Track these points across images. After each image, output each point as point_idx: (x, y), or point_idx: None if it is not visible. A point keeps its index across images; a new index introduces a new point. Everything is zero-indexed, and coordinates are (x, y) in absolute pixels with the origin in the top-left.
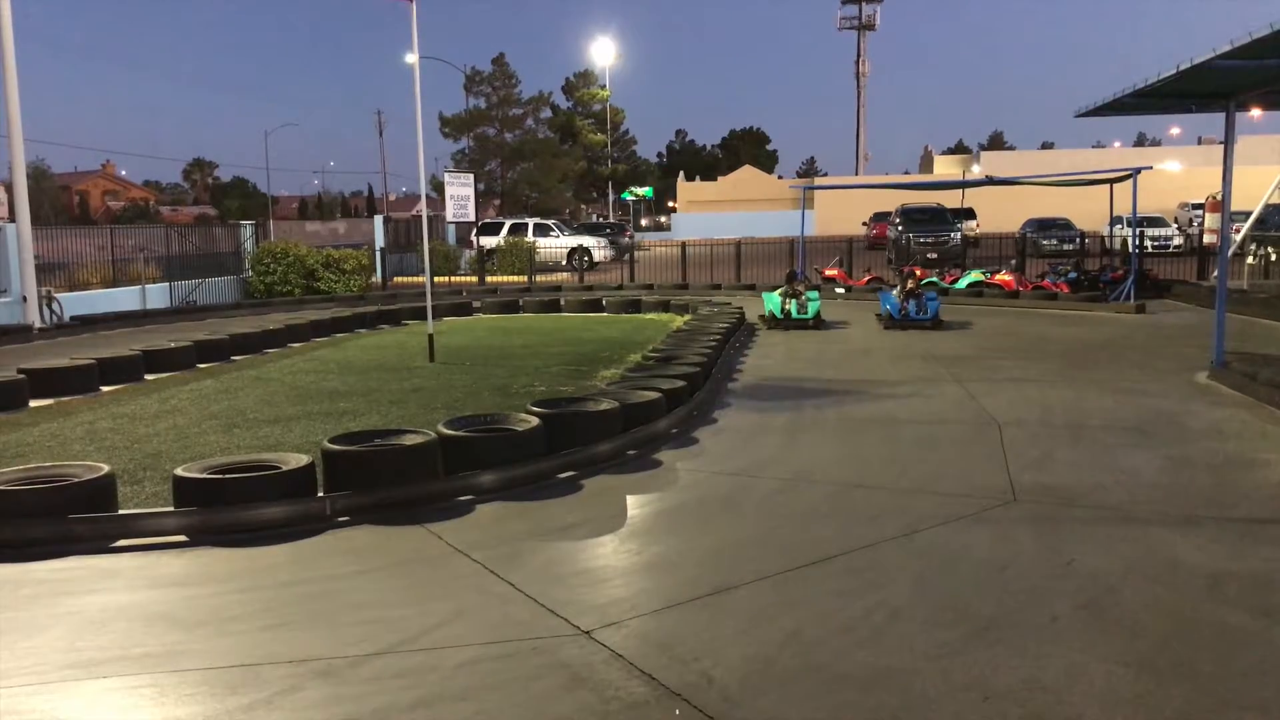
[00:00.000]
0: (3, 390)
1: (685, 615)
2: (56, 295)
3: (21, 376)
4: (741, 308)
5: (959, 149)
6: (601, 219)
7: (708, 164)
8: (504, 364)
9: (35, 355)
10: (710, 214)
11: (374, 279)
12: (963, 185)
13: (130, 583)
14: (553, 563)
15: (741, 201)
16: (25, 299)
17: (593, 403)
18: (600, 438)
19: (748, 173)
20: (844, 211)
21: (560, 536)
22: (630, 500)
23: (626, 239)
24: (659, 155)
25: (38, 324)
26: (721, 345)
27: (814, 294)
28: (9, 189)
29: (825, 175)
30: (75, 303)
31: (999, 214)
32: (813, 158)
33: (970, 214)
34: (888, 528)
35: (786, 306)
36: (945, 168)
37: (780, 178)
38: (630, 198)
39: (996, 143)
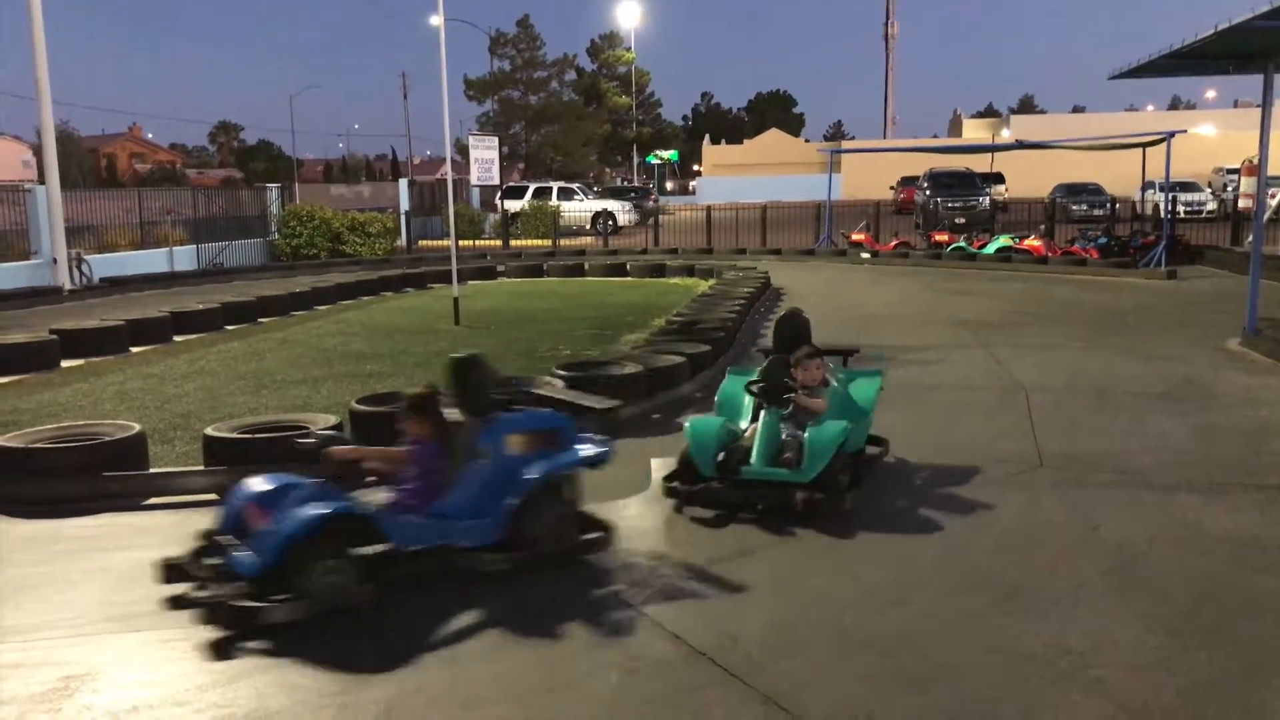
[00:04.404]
0: (35, 351)
1: (709, 577)
2: (86, 257)
3: (53, 337)
4: (767, 273)
5: (988, 113)
6: (626, 183)
7: (733, 127)
8: (528, 327)
9: (66, 316)
10: (736, 178)
11: (399, 242)
12: (992, 149)
13: (162, 540)
14: None
15: (767, 165)
16: (55, 261)
17: (617, 366)
18: (624, 400)
19: (774, 136)
20: (871, 175)
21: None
22: (655, 464)
23: (651, 203)
24: (684, 118)
25: (68, 286)
26: (746, 310)
27: (837, 427)
28: (38, 152)
29: (852, 139)
30: (104, 265)
31: (1028, 179)
32: (840, 121)
33: (999, 178)
34: (913, 493)
35: (745, 439)
36: (974, 131)
37: (807, 141)
38: (655, 161)
39: (1026, 106)
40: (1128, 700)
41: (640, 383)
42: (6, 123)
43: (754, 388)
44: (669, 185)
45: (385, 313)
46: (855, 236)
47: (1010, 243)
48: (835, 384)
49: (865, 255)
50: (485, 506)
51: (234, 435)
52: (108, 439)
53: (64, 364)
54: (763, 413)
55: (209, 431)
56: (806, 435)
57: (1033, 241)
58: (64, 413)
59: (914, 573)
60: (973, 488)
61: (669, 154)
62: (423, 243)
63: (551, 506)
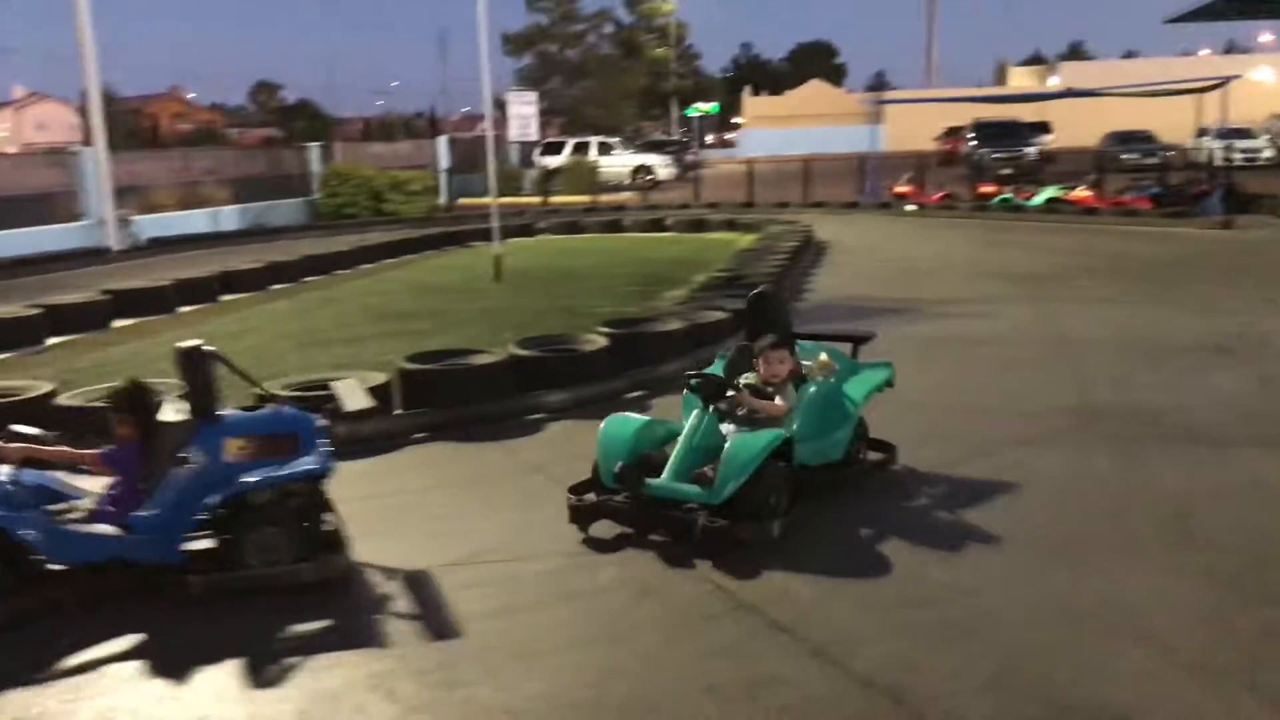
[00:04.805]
0: (86, 311)
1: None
2: (133, 218)
3: (105, 297)
4: (810, 226)
5: (1035, 60)
6: (665, 136)
7: (774, 78)
8: (569, 284)
9: (115, 277)
10: (777, 130)
11: (439, 200)
12: (1040, 98)
13: None
14: None
15: (809, 117)
16: (104, 222)
17: (659, 323)
18: (667, 357)
19: (815, 87)
20: (916, 127)
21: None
22: None
23: (691, 157)
24: (724, 70)
25: (116, 246)
26: (789, 264)
27: (767, 436)
28: (84, 114)
29: (895, 89)
30: (151, 225)
31: (1078, 127)
32: (882, 71)
33: (1046, 128)
34: (962, 447)
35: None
36: (1021, 80)
37: (849, 91)
38: (694, 114)
39: (1076, 53)
40: (1184, 654)
41: (683, 339)
42: (48, 85)
43: (691, 382)
44: (709, 138)
45: (427, 271)
46: (899, 189)
47: (1059, 194)
48: (820, 380)
49: (910, 208)
50: (177, 520)
51: (284, 393)
52: (160, 398)
53: (115, 324)
54: (693, 414)
55: (258, 390)
56: (727, 446)
57: (1082, 192)
58: (117, 372)
59: (962, 527)
60: (1022, 442)
61: (709, 106)
62: (462, 200)
63: (279, 523)
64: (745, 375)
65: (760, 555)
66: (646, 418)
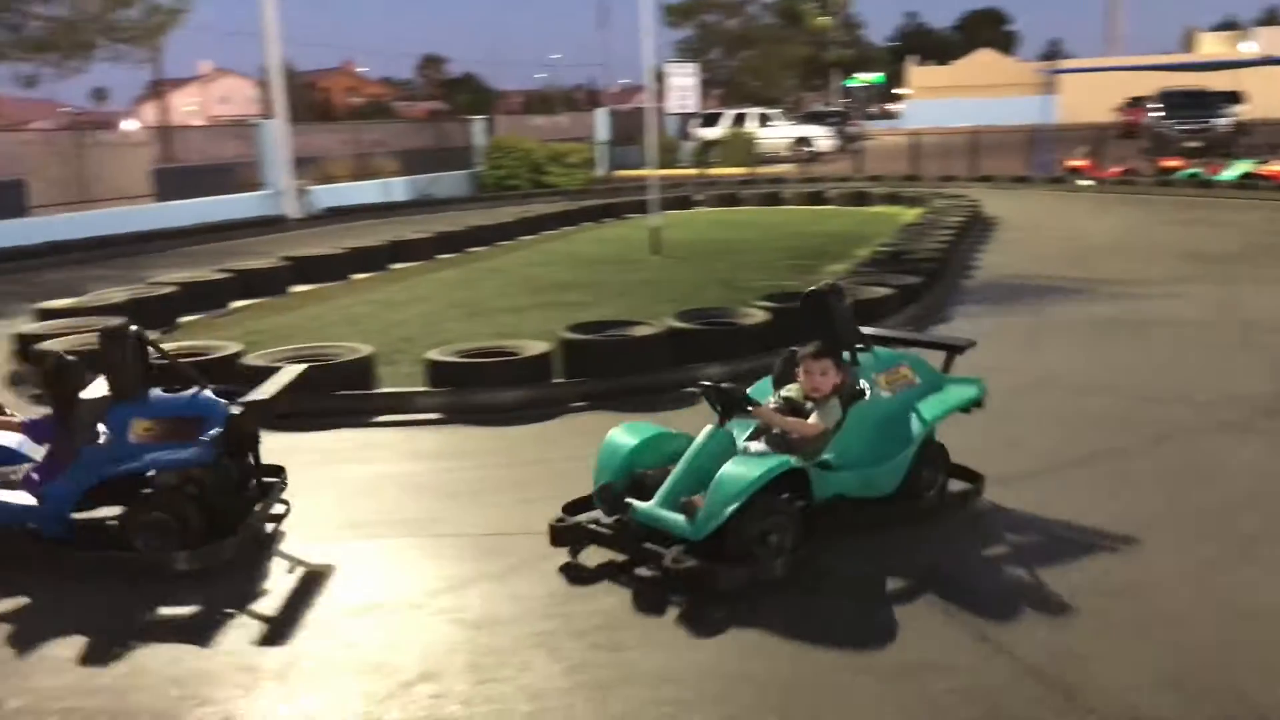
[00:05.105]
0: (269, 276)
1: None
2: (309, 188)
3: (285, 264)
4: (978, 200)
5: (1228, 26)
6: (825, 108)
7: (941, 47)
8: (726, 258)
9: (292, 244)
10: (943, 100)
11: (597, 172)
12: (1233, 65)
13: (391, 454)
14: None
15: (978, 87)
16: (282, 192)
17: None
18: None
19: (985, 56)
20: (1092, 97)
21: None
22: None
23: (852, 128)
24: (888, 40)
25: (293, 214)
26: (956, 240)
27: (765, 463)
28: (265, 88)
29: (1071, 58)
30: (325, 195)
31: (1275, 97)
32: (1057, 39)
33: (1240, 98)
34: (1138, 435)
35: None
36: (1211, 47)
37: (1021, 61)
38: (856, 85)
39: (1275, 17)
40: None
41: None
42: (230, 61)
43: (711, 393)
44: (872, 110)
45: (585, 243)
46: (1074, 163)
47: (1253, 168)
48: (875, 397)
49: (1085, 183)
50: (70, 493)
51: (454, 359)
52: (341, 360)
53: (293, 289)
54: (706, 429)
55: (431, 355)
56: (719, 473)
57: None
58: (297, 335)
59: (1137, 518)
60: (1205, 431)
61: (873, 77)
62: (620, 172)
63: (166, 508)
64: (789, 387)
65: (918, 533)
66: (661, 429)
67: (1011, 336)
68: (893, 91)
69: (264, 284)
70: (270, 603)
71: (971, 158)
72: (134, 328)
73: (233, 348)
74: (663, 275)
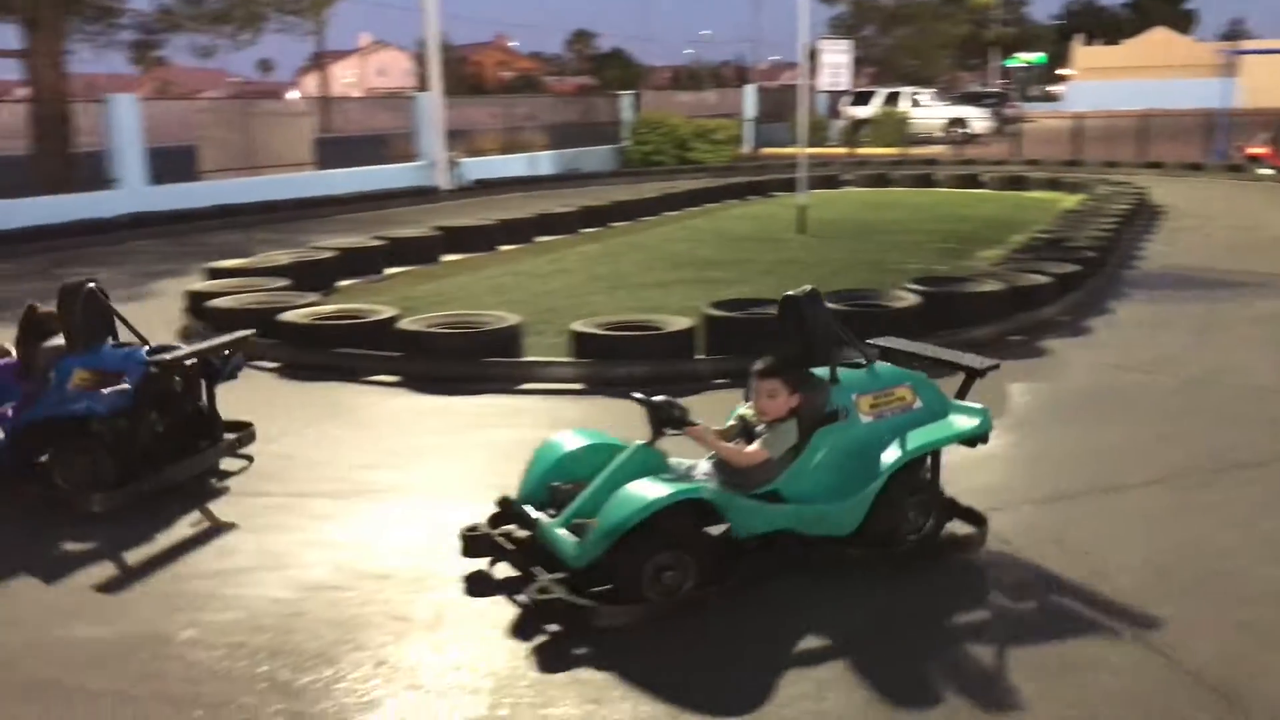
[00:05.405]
0: (421, 245)
1: (1073, 510)
2: (460, 160)
3: (437, 233)
4: (1145, 188)
5: None
6: (983, 88)
7: (1112, 26)
8: (875, 239)
9: (442, 215)
10: (1110, 82)
11: (742, 149)
12: None
13: (535, 421)
14: None
15: (1150, 69)
16: (435, 163)
17: (974, 283)
18: (981, 320)
19: (1159, 35)
20: (1277, 81)
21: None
22: (1013, 388)
23: (1010, 110)
24: (1054, 18)
25: (444, 186)
26: (1120, 229)
27: (656, 492)
28: (421, 61)
29: (1255, 39)
30: (475, 167)
31: None
32: (1239, 18)
33: None
34: None
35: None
36: None
37: (1199, 41)
38: (1016, 65)
39: None
40: None
41: (1000, 302)
42: (388, 34)
43: (645, 405)
44: (1033, 91)
45: (730, 220)
46: (1254, 150)
47: None
48: (849, 419)
49: (1265, 171)
50: (14, 435)
51: (600, 331)
52: (490, 327)
53: (444, 258)
54: (631, 446)
55: (576, 327)
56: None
57: None
58: (447, 302)
59: None
60: None
61: (1034, 57)
62: (766, 150)
63: (83, 451)
64: (744, 405)
65: (1077, 534)
66: (609, 440)
67: (1177, 330)
68: (1055, 72)
69: (416, 252)
70: (423, 560)
71: (1140, 143)
72: (90, 285)
73: (388, 312)
74: (808, 254)
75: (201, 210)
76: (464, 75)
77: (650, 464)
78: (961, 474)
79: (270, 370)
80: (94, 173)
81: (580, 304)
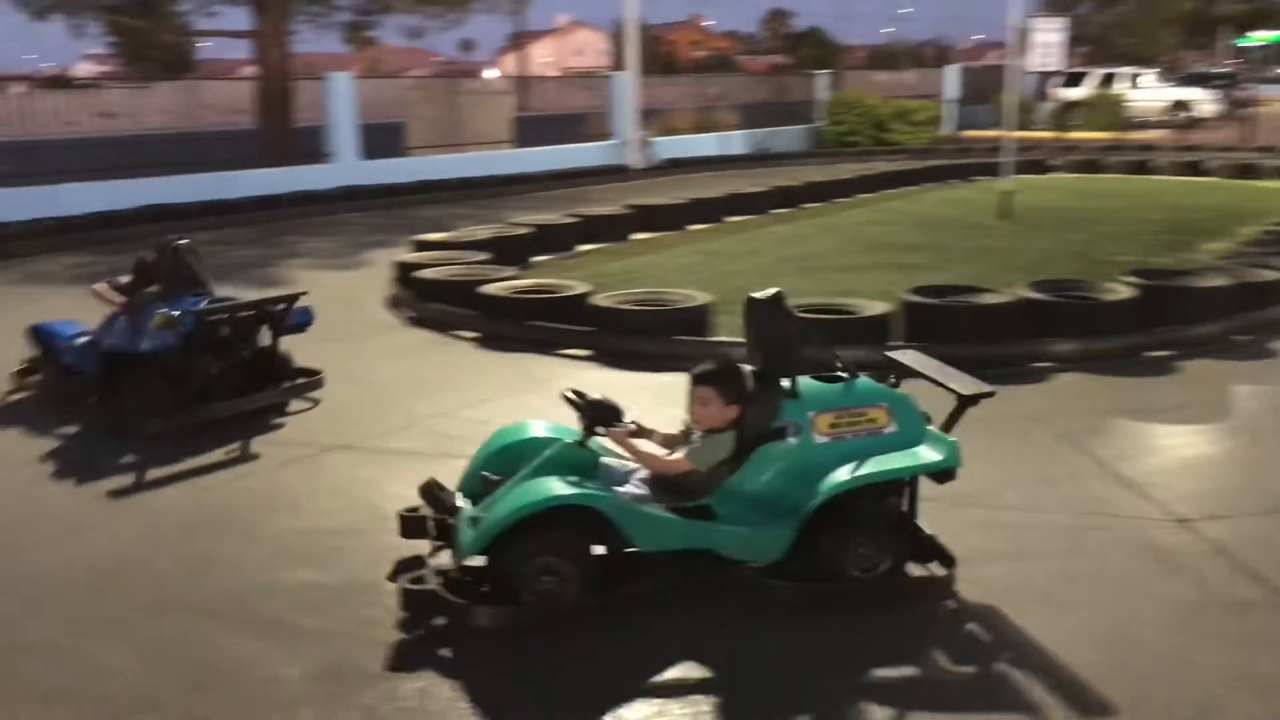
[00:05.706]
0: (613, 222)
1: None
2: (653, 139)
3: (628, 211)
4: None
5: None
6: (1211, 69)
7: None
8: (1083, 228)
9: (634, 193)
10: None
11: (942, 131)
12: None
13: None
14: (1139, 443)
15: None
16: (628, 142)
17: (1199, 277)
18: (1205, 317)
19: None
20: None
21: (1149, 418)
22: (1238, 390)
23: (1241, 92)
24: None
25: (636, 165)
26: None
27: (534, 493)
28: (617, 40)
29: None
30: (667, 146)
31: None
32: None
33: None
34: None
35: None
36: None
37: None
38: (1250, 44)
39: None
40: None
41: (1227, 299)
42: (585, 13)
43: (575, 405)
44: (1268, 72)
45: (928, 204)
46: None
47: None
48: (800, 439)
49: None
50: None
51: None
52: (680, 306)
53: (632, 236)
54: (560, 443)
55: None
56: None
57: None
58: (637, 280)
59: None
60: None
61: (1271, 35)
62: (967, 132)
63: (141, 381)
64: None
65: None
66: (568, 435)
67: None
68: None
69: (607, 229)
70: None
71: None
72: (181, 243)
73: (581, 288)
74: (1010, 242)
75: (406, 185)
76: (658, 54)
77: (577, 463)
78: (1176, 479)
79: (470, 340)
80: (311, 147)
81: (770, 285)
